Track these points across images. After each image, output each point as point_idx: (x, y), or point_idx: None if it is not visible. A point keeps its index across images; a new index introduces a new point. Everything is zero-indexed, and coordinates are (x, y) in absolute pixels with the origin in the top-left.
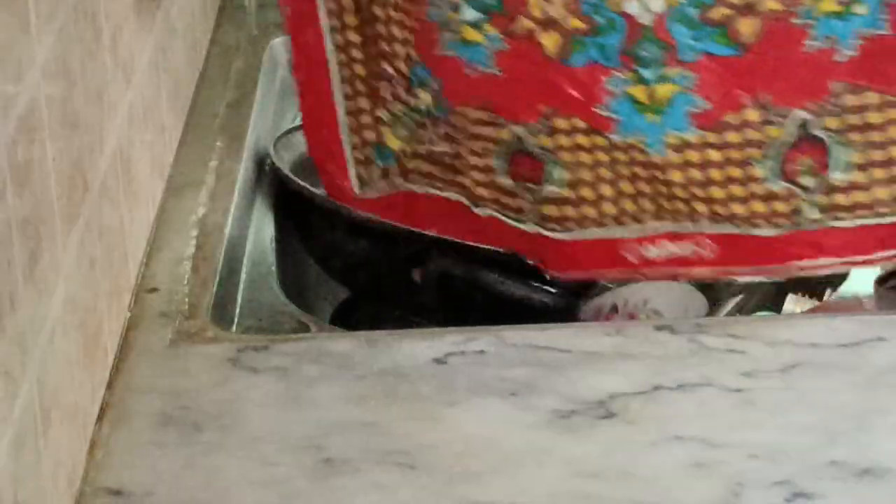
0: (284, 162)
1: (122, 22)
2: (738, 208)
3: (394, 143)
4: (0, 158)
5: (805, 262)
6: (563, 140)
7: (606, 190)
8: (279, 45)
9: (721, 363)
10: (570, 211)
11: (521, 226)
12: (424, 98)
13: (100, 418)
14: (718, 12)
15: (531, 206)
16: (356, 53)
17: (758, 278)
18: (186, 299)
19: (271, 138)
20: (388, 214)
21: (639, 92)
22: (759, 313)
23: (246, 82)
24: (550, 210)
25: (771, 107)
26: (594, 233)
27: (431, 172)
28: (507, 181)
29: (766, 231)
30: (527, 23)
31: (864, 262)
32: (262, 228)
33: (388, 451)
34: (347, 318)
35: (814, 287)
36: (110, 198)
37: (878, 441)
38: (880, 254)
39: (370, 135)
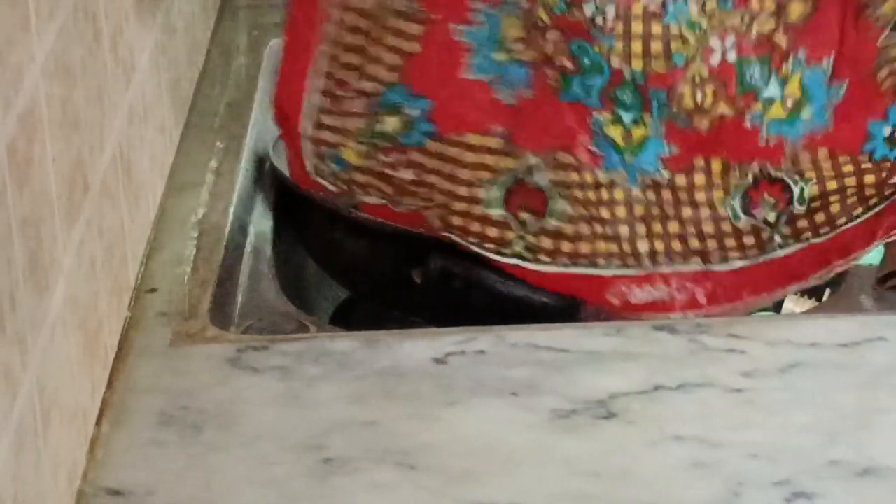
0: (284, 162)
1: (122, 21)
2: (710, 243)
3: (350, 156)
4: (0, 158)
5: (775, 293)
6: (564, 175)
7: (599, 228)
8: (279, 46)
9: (721, 363)
10: (565, 245)
11: (495, 256)
12: (391, 123)
13: (100, 418)
14: (676, 105)
15: (518, 237)
16: (343, 56)
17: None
18: (186, 299)
19: (271, 138)
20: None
21: (616, 133)
22: (758, 313)
23: (246, 82)
24: (544, 242)
25: (732, 163)
26: (584, 270)
27: (389, 193)
28: (495, 212)
29: (737, 264)
30: (535, 54)
31: (823, 274)
32: (262, 228)
33: (387, 451)
34: (347, 318)
35: (813, 288)
36: (110, 197)
37: (878, 441)
38: (839, 262)
39: (330, 137)
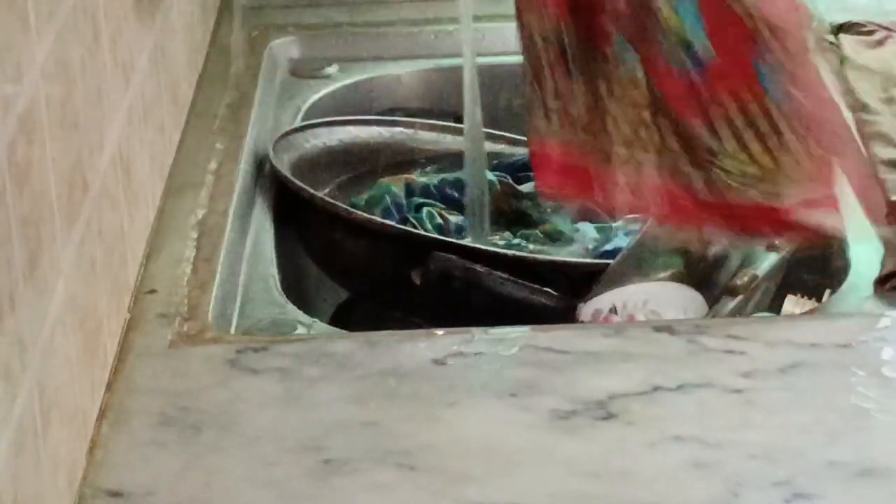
0: (284, 163)
1: (122, 22)
2: (696, 175)
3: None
4: (0, 158)
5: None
6: (591, 58)
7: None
8: (279, 47)
9: (720, 364)
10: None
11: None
12: None
13: (100, 418)
14: None
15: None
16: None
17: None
18: (186, 300)
19: (271, 139)
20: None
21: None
22: (758, 314)
23: (246, 83)
24: (566, 134)
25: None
26: (581, 136)
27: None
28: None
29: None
30: None
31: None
32: (262, 229)
33: (388, 451)
34: (347, 319)
35: (813, 288)
36: (110, 198)
37: (877, 441)
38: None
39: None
